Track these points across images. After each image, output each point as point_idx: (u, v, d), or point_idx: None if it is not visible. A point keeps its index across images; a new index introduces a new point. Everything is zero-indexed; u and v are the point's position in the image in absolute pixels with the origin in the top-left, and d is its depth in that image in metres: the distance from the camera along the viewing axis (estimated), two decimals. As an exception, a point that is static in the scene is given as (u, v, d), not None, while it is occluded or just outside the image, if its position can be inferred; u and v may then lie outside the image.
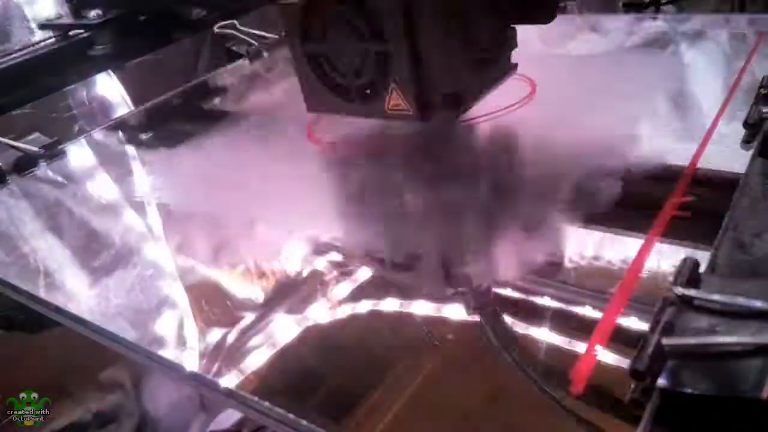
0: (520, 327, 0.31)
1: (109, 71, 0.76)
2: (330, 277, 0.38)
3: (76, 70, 0.71)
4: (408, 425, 0.28)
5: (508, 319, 0.32)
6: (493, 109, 0.51)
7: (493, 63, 0.47)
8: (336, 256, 0.40)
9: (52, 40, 0.69)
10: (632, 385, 0.24)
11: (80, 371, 0.81)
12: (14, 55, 0.66)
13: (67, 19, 0.71)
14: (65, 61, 0.69)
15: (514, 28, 0.48)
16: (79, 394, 0.81)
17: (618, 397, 0.25)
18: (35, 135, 0.62)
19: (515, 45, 0.48)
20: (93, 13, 0.69)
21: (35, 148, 0.59)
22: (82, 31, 0.70)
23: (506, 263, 0.36)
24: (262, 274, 0.40)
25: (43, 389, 0.65)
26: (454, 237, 0.39)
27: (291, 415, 0.28)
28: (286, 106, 0.55)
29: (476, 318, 0.32)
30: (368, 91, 0.46)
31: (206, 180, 0.51)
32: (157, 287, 0.40)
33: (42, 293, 0.41)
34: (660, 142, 0.43)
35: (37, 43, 0.69)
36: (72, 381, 0.80)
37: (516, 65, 0.50)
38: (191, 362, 0.34)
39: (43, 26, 0.71)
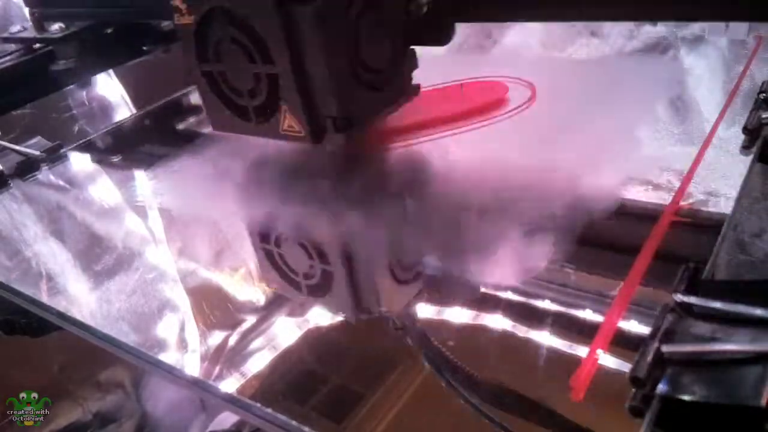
0: (520, 330, 0.31)
1: (96, 77, 0.75)
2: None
3: (38, 85, 0.68)
4: (409, 427, 0.28)
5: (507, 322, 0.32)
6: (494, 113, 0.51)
7: (390, 85, 0.45)
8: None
9: (15, 54, 0.67)
10: (632, 392, 0.24)
11: (80, 371, 0.81)
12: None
13: (29, 33, 0.67)
14: (27, 76, 0.66)
15: (413, 49, 0.46)
16: (79, 394, 0.81)
17: (619, 402, 0.25)
18: (37, 139, 0.62)
19: (415, 66, 0.47)
20: (55, 27, 0.65)
21: (37, 152, 0.59)
22: (44, 45, 0.66)
23: (506, 267, 0.36)
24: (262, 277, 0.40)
25: (43, 389, 0.65)
26: (445, 245, 0.39)
27: (294, 422, 0.28)
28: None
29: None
30: (267, 111, 0.44)
31: (207, 183, 0.51)
32: (159, 291, 0.40)
33: (44, 297, 0.41)
34: (659, 147, 0.43)
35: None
36: (72, 381, 0.81)
37: (419, 87, 0.47)
38: (193, 365, 0.34)
39: (6, 39, 0.68)
